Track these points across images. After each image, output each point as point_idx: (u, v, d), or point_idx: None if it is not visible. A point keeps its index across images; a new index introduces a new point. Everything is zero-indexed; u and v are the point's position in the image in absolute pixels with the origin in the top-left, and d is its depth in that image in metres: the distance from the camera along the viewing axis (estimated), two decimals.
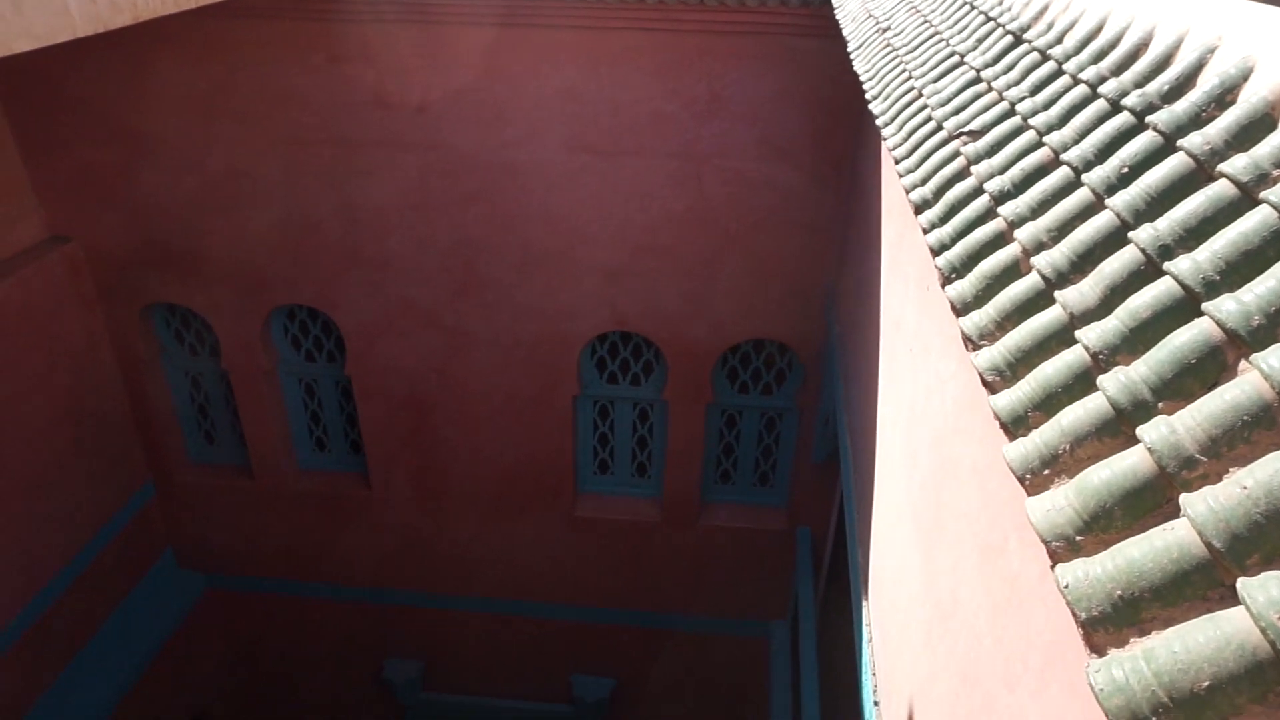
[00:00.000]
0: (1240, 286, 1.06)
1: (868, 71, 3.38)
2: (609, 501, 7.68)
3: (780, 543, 7.56)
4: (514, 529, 7.69)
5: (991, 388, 1.39)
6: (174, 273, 6.68)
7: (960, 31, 2.89)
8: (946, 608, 2.44)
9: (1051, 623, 1.59)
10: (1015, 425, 1.27)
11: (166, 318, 7.23)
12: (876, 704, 3.41)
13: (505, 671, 8.69)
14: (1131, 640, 0.87)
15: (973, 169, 1.97)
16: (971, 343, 1.53)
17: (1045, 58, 2.14)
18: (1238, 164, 1.19)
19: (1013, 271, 1.61)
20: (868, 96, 3.18)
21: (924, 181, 2.19)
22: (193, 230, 6.48)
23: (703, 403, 6.97)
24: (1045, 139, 1.78)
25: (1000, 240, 1.73)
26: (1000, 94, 2.19)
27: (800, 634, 6.70)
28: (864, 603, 3.97)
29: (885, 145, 2.66)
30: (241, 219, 6.39)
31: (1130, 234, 1.30)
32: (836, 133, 5.86)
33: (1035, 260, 1.49)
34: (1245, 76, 1.34)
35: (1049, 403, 1.23)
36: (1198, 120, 1.37)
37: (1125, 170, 1.43)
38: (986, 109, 2.20)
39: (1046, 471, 1.15)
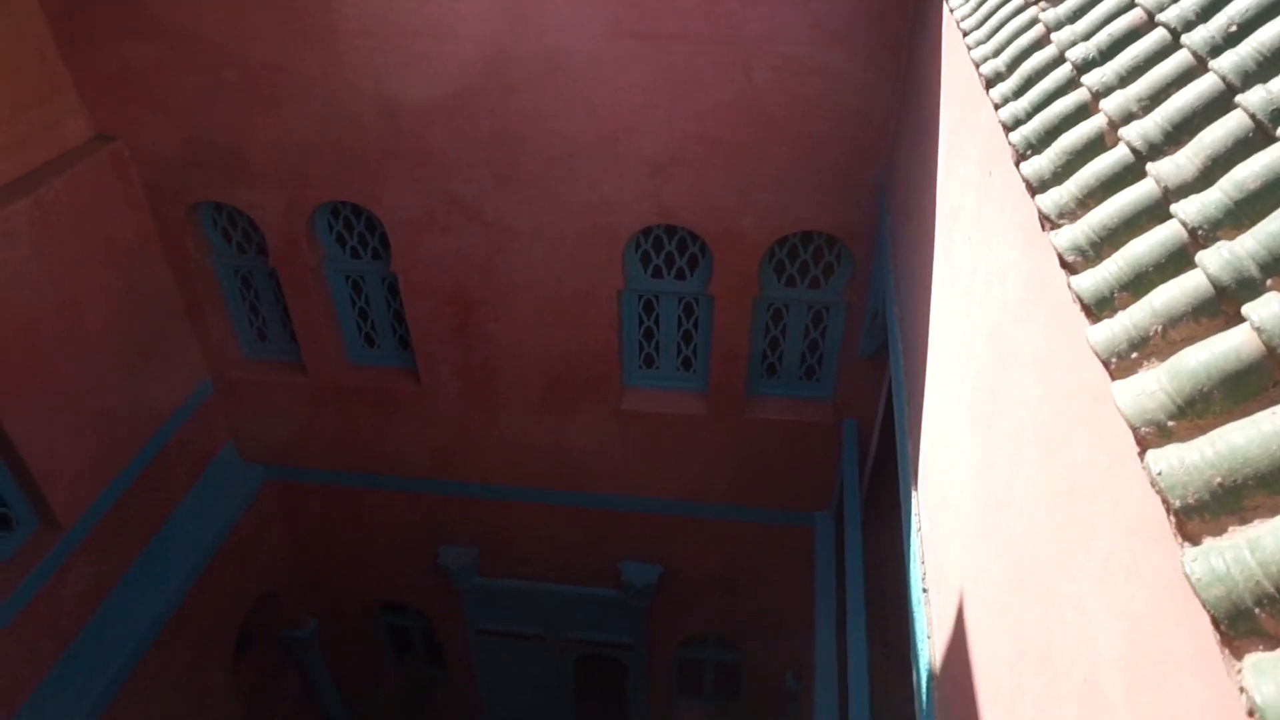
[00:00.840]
0: None
1: None
2: (655, 395, 7.72)
3: (825, 435, 7.58)
4: (561, 422, 7.80)
5: (1072, 268, 1.31)
6: (218, 170, 6.67)
7: None
8: (1001, 498, 2.41)
9: (1119, 512, 1.55)
10: (1099, 307, 1.20)
11: (214, 216, 7.26)
12: (925, 591, 3.44)
13: (556, 558, 8.98)
14: (1231, 529, 0.82)
15: (1053, 36, 1.83)
16: (1049, 221, 1.44)
17: None
18: None
19: (1097, 145, 1.50)
20: None
21: (996, 53, 2.04)
22: (234, 127, 6.43)
23: (749, 296, 6.89)
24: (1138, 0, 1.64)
25: (1083, 112, 1.61)
26: None
27: (845, 524, 6.78)
28: (913, 493, 3.97)
29: (952, 18, 2.49)
30: (282, 114, 6.32)
31: (1237, 99, 1.19)
32: (893, 13, 5.54)
33: (1123, 132, 1.39)
34: None
35: (1139, 283, 1.16)
36: None
37: (1233, 29, 1.31)
38: None
39: (1135, 355, 1.08)
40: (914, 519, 3.84)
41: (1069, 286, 1.28)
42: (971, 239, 3.12)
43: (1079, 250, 1.30)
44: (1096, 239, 1.29)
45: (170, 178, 6.77)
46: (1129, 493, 1.46)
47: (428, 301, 7.13)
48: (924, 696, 3.08)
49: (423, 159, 6.39)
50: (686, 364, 7.67)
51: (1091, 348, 1.15)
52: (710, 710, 10.68)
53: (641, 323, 7.44)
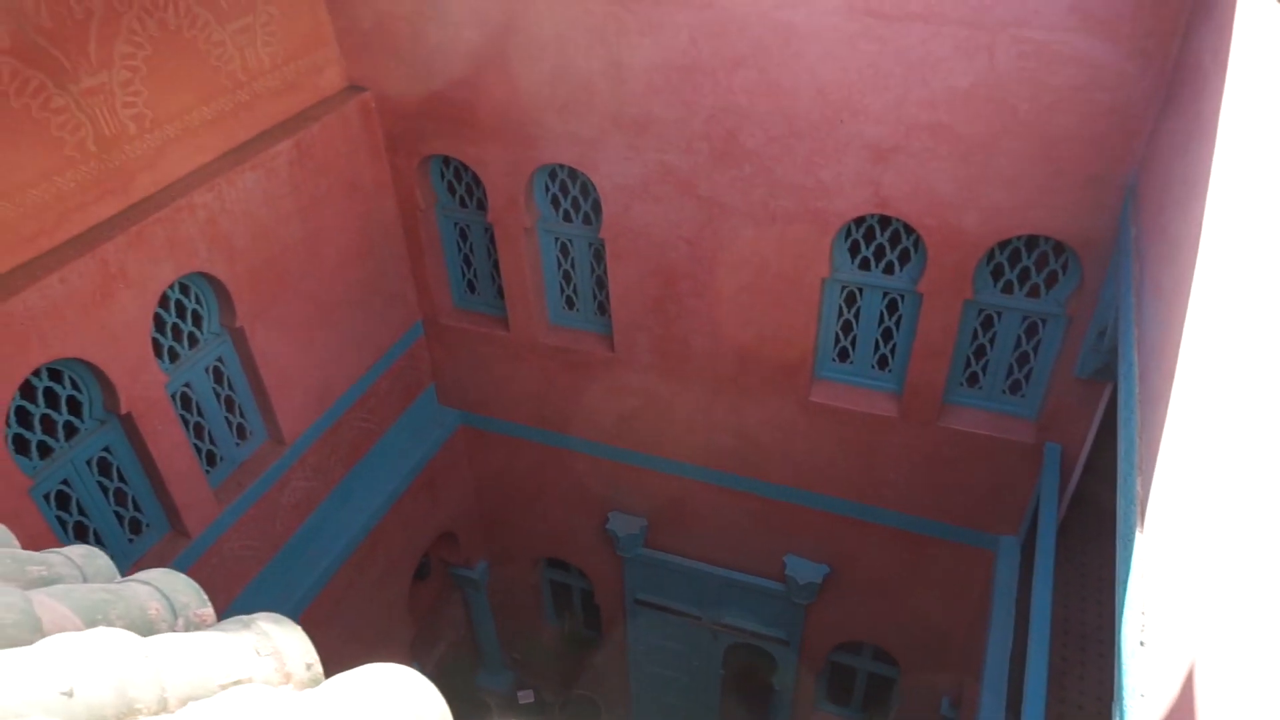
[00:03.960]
0: None
1: None
2: (845, 390, 7.49)
3: (1023, 456, 7.08)
4: (747, 405, 7.72)
5: None
6: (450, 126, 7.03)
7: None
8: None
9: None
10: None
11: (441, 169, 7.68)
12: (1142, 644, 3.12)
13: (722, 541, 8.95)
14: None
15: None
16: None
17: None
18: None
19: None
20: None
21: None
22: (469, 84, 6.74)
23: (960, 299, 6.50)
24: None
25: None
26: None
27: (1036, 554, 6.31)
28: (1136, 534, 3.60)
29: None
30: (515, 75, 6.55)
31: None
32: None
33: None
34: None
35: None
36: None
37: None
38: None
39: None
40: (1134, 562, 3.49)
41: None
42: (1261, 263, 2.74)
43: None
44: None
45: (408, 129, 7.21)
46: None
47: (631, 270, 7.23)
48: None
49: (644, 128, 6.45)
50: (882, 363, 7.38)
51: None
52: None
53: (841, 314, 7.21)
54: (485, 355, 8.42)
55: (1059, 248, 6.28)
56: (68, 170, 5.16)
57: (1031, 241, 6.34)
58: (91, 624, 0.96)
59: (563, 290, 8.03)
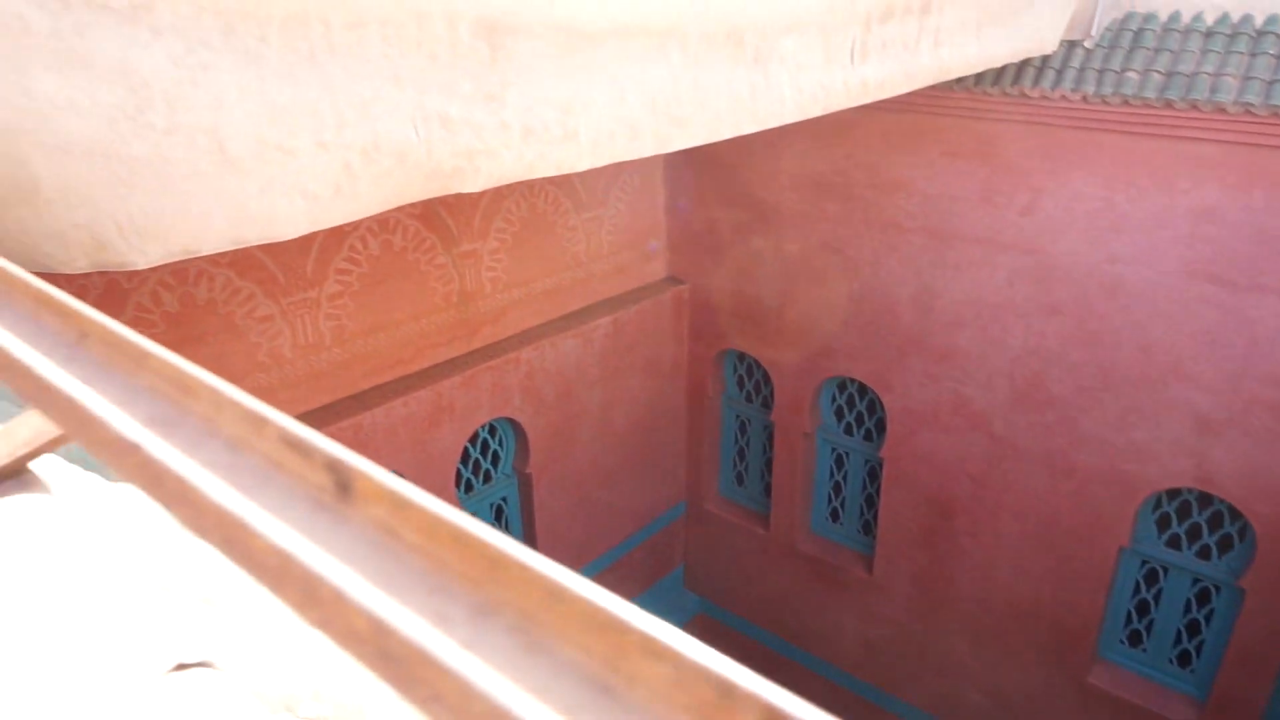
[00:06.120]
0: None
1: None
2: (1132, 680, 6.54)
3: None
4: (1009, 666, 6.98)
5: None
6: (753, 325, 7.45)
7: None
8: None
9: None
10: None
11: (735, 363, 8.08)
12: None
13: None
14: None
15: None
16: None
17: None
18: None
19: None
20: None
21: None
22: (779, 291, 7.16)
23: None
24: None
25: None
26: None
27: None
28: None
29: None
30: (824, 288, 6.88)
31: None
32: None
33: None
34: None
35: None
36: None
37: None
38: None
39: None
40: None
41: None
42: None
43: None
44: None
45: (712, 322, 7.73)
46: None
47: (906, 495, 7.02)
48: None
49: (944, 357, 6.43)
50: (1184, 659, 6.40)
51: None
52: None
53: (1138, 591, 6.43)
54: (739, 548, 8.41)
55: None
56: (433, 315, 6.09)
57: None
58: None
59: (830, 500, 7.93)
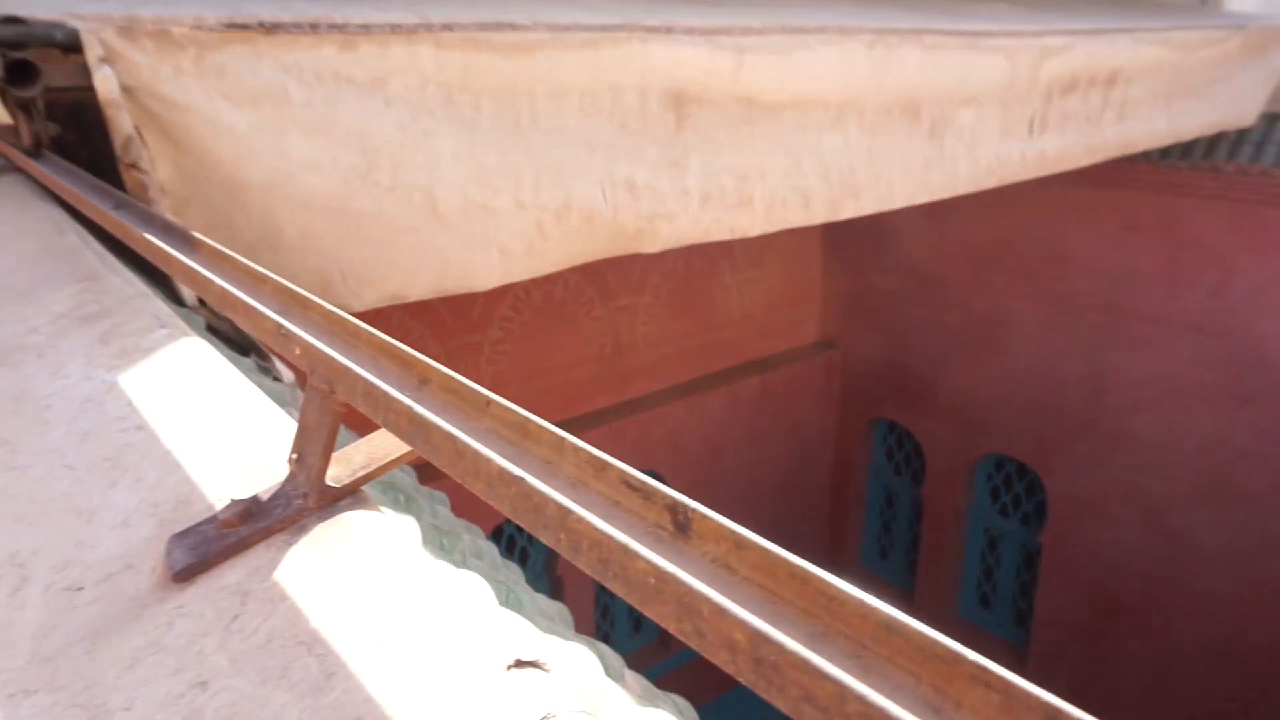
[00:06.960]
0: None
1: None
2: None
3: None
4: None
5: None
6: (907, 396, 7.24)
7: None
8: None
9: None
10: None
11: (885, 433, 7.86)
12: None
13: None
14: None
15: None
16: None
17: None
18: None
19: None
20: None
21: None
22: (936, 362, 6.95)
23: None
24: None
25: None
26: None
27: None
28: None
29: None
30: (984, 362, 6.62)
31: None
32: None
33: None
34: None
35: None
36: None
37: None
38: None
39: None
40: None
41: None
42: None
43: None
44: None
45: (864, 390, 7.57)
46: None
47: (1066, 587, 6.57)
48: None
49: (1116, 443, 6.03)
50: None
51: None
52: None
53: None
54: None
55: None
56: (587, 365, 6.26)
57: None
58: None
59: (980, 585, 7.52)
